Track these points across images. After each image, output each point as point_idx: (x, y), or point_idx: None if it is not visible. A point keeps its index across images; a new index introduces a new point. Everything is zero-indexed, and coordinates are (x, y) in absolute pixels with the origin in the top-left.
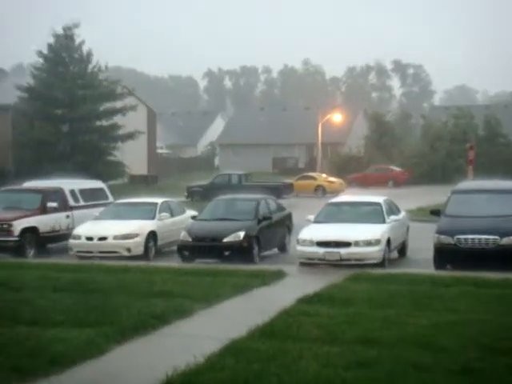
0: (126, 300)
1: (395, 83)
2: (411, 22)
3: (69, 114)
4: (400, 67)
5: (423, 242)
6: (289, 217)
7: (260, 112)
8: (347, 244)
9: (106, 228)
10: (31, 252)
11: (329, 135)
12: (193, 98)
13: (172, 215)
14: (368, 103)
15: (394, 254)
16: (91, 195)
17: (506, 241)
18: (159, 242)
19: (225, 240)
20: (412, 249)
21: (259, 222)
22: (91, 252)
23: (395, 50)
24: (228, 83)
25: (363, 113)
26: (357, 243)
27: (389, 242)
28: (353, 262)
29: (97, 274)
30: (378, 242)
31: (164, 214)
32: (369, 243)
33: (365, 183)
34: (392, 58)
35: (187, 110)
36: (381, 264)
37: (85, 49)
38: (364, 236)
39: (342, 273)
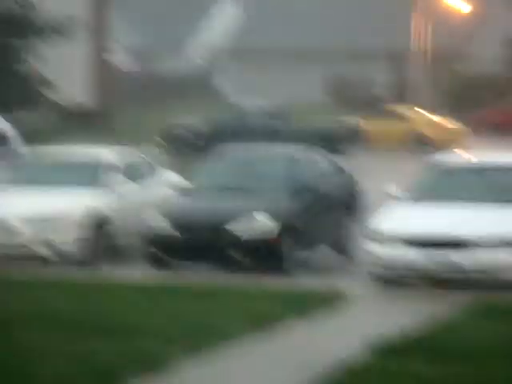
0: (50, 342)
1: None
2: None
3: None
4: None
5: None
6: (353, 188)
7: None
8: (466, 244)
9: (7, 204)
10: None
11: (437, 36)
12: None
13: (134, 179)
14: None
15: None
16: None
17: None
18: (109, 232)
19: (232, 229)
20: None
21: (296, 196)
22: None
23: None
24: None
25: None
26: (485, 242)
27: None
28: (478, 279)
29: None
30: None
31: (119, 177)
32: (509, 243)
33: (505, 128)
34: None
35: None
36: None
37: None
38: (503, 229)
39: (457, 299)
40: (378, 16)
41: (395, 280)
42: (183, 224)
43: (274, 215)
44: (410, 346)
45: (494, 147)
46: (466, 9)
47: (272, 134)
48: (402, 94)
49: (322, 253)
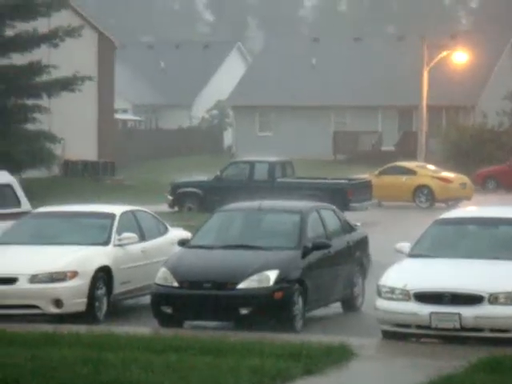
0: None
1: None
2: None
3: None
4: None
5: None
6: (363, 245)
7: (311, 45)
8: (476, 299)
9: (14, 261)
10: None
11: (444, 91)
12: (186, 19)
13: (142, 238)
14: None
15: None
16: None
17: None
18: (117, 289)
19: (240, 286)
20: None
21: (306, 253)
22: None
23: None
24: None
25: None
26: (496, 298)
27: None
28: (488, 335)
29: None
30: None
31: (127, 234)
32: None
33: (510, 184)
34: None
35: (175, 39)
36: None
37: None
38: (509, 285)
39: (465, 354)
40: (388, 72)
41: (407, 336)
42: (191, 280)
43: (285, 273)
44: None
45: (501, 203)
46: (473, 63)
47: (281, 190)
48: (411, 149)
49: (334, 310)
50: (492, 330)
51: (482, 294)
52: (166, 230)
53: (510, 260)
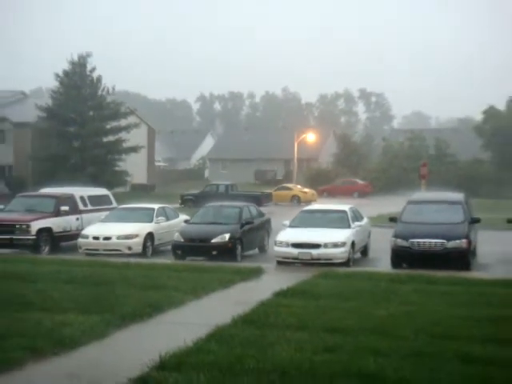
0: (127, 291)
1: (360, 109)
2: (374, 57)
3: (80, 131)
4: (365, 95)
5: (383, 244)
6: (268, 222)
7: (244, 132)
8: (318, 246)
9: (110, 229)
10: (46, 249)
11: (303, 152)
12: (187, 119)
13: (167, 219)
14: (337, 126)
15: (358, 255)
16: (98, 201)
17: (451, 244)
18: (156, 242)
19: (212, 241)
20: (373, 250)
21: (242, 225)
22: (97, 250)
23: (361, 79)
24: (217, 106)
25: (333, 134)
26: (326, 245)
27: (353, 244)
28: (322, 262)
29: (102, 269)
30: (343, 244)
31: (160, 217)
32: (336, 245)
33: (333, 194)
34: (358, 87)
35: (182, 129)
36: (346, 263)
37: (95, 75)
38: (332, 239)
39: (312, 270)
40: (278, 144)
41: (287, 263)
42: (190, 238)
43: (233, 234)
44: (293, 292)
45: (329, 202)
46: (316, 139)
47: (231, 197)
48: (290, 178)
49: (255, 252)
50: (325, 259)
51: (320, 243)
52: (178, 216)
53: (333, 228)
